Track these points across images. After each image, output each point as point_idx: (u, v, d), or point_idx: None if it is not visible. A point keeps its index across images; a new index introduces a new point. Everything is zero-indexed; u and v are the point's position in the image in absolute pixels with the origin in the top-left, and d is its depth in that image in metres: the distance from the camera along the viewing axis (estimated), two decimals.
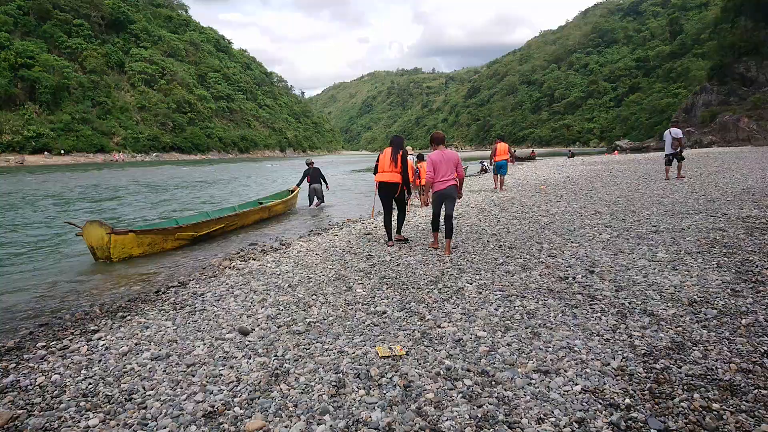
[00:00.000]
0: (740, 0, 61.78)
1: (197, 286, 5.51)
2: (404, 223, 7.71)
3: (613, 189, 12.40)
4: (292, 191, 13.78)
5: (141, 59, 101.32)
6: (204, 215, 10.34)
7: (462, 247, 6.44)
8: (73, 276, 6.67)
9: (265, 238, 9.41)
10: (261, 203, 12.38)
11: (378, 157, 6.97)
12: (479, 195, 13.19)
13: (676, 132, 13.78)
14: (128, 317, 4.53)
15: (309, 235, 8.96)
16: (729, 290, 4.19)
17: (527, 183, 16.13)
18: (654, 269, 4.95)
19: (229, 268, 6.44)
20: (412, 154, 14.54)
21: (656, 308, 3.87)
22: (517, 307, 4.07)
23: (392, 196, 6.91)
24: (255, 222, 11.02)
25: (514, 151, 44.44)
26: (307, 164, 13.73)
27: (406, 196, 7.05)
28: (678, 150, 13.72)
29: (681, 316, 3.68)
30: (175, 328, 4.09)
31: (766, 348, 3.06)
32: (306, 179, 13.59)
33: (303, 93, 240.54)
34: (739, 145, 50.53)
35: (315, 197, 13.79)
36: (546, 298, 4.26)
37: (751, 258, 5.13)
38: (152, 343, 3.73)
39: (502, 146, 14.82)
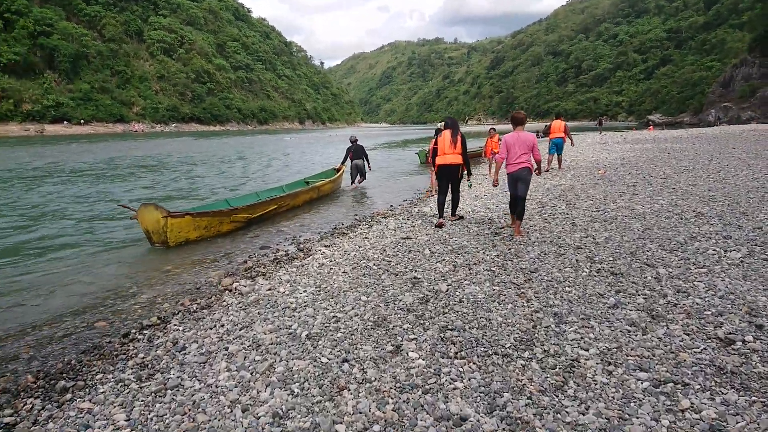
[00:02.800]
0: None
1: (180, 328, 3.93)
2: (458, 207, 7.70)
3: (692, 177, 10.42)
4: (338, 170, 13.44)
5: (160, 27, 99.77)
6: (254, 196, 10.07)
7: (544, 270, 4.72)
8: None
9: (280, 236, 7.79)
10: (308, 182, 12.11)
11: (435, 140, 7.18)
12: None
13: None
14: (68, 402, 2.97)
15: (333, 235, 7.31)
16: None
17: (578, 165, 14.17)
18: None
19: (230, 291, 4.85)
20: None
21: None
22: (688, 417, 2.38)
23: (453, 178, 7.11)
24: (305, 202, 10.75)
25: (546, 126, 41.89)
26: (351, 141, 13.19)
27: (467, 175, 7.28)
28: None
29: None
30: None
31: None
32: (349, 156, 13.11)
33: (322, 63, 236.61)
34: None
35: (357, 174, 13.23)
36: (724, 390, 2.57)
37: None
38: None
39: (557, 123, 13.32)
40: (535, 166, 6.12)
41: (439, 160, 7.00)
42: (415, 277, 4.73)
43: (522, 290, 4.21)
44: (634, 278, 4.38)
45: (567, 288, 4.21)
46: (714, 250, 5.06)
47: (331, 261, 5.61)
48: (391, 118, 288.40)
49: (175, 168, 19.89)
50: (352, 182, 13.26)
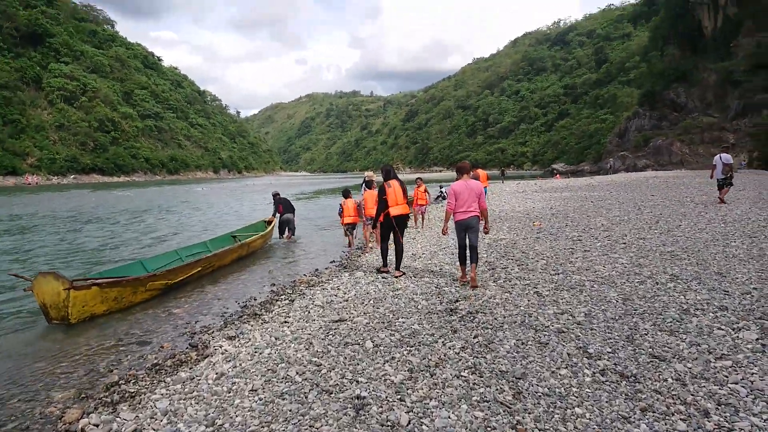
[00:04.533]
0: (667, 30, 64.88)
1: None
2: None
3: (633, 228, 9.98)
4: (269, 222, 12.66)
5: (61, 75, 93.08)
6: (174, 255, 8.93)
7: (533, 373, 3.48)
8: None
9: (169, 321, 5.98)
10: (234, 237, 11.17)
11: (381, 189, 7.01)
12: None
13: (727, 158, 13.52)
14: None
15: (241, 318, 5.66)
16: None
17: (509, 216, 13.57)
18: None
19: None
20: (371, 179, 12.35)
21: None
22: None
23: (400, 226, 7.01)
24: (233, 261, 9.58)
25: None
26: (274, 196, 12.95)
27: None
28: (728, 175, 13.43)
29: None
30: None
31: None
32: (278, 209, 12.56)
33: (238, 113, 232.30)
34: (673, 169, 51.83)
35: (287, 229, 12.68)
36: None
37: None
38: None
39: (482, 173, 13.03)
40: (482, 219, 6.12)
41: (392, 211, 6.90)
42: (358, 397, 3.28)
43: (517, 418, 2.91)
44: (652, 383, 3.26)
45: (576, 409, 2.97)
46: (720, 329, 4.13)
47: (235, 368, 4.02)
48: (311, 166, 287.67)
49: (65, 225, 17.01)
50: (280, 236, 12.65)
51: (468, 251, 6.12)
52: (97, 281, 6.20)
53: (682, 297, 5.08)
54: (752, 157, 44.16)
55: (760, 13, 49.39)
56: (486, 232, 6.27)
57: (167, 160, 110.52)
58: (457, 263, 7.18)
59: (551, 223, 11.55)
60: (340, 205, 11.05)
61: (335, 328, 4.78)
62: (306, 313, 5.47)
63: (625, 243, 8.22)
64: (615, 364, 3.59)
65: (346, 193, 11.24)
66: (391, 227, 6.98)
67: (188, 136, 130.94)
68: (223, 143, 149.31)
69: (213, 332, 5.24)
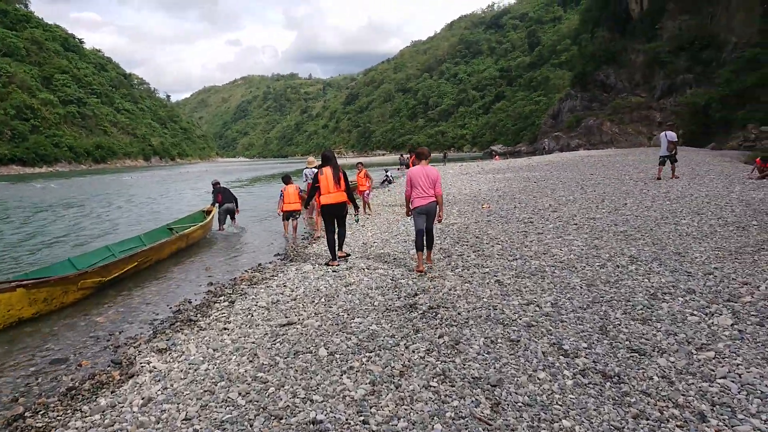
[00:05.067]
0: (598, 12, 67.28)
1: None
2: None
3: (581, 208, 9.99)
4: (207, 212, 12.05)
5: None
6: (105, 251, 8.39)
7: (509, 379, 3.13)
8: None
9: (89, 331, 5.20)
10: (171, 229, 10.62)
11: (315, 176, 6.89)
12: (397, 216, 10.04)
13: (672, 135, 13.89)
14: None
15: (174, 325, 4.99)
16: None
17: (456, 200, 13.37)
18: None
19: None
20: (310, 168, 11.84)
21: None
22: None
23: (339, 215, 6.93)
24: (172, 254, 9.06)
25: (402, 156, 42.66)
26: (213, 185, 12.30)
27: (355, 210, 7.36)
28: (672, 152, 13.87)
29: None
30: None
31: None
32: (218, 199, 11.98)
33: (169, 97, 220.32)
34: (604, 148, 54.20)
35: (227, 218, 12.11)
36: None
37: None
38: None
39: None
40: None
41: (323, 200, 6.77)
42: (313, 421, 2.80)
43: None
44: (638, 383, 3.00)
45: (564, 421, 2.64)
46: (693, 314, 3.98)
47: (165, 390, 3.42)
48: (250, 152, 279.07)
49: None
50: (220, 227, 11.96)
51: (425, 236, 6.03)
52: (22, 282, 5.72)
53: (647, 280, 4.93)
54: (678, 134, 46.87)
55: None
56: (439, 221, 6.12)
57: (93, 149, 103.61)
58: (412, 251, 6.88)
59: (500, 205, 11.43)
60: (281, 191, 10.46)
61: (283, 334, 4.25)
62: (249, 316, 4.89)
63: (576, 224, 8.15)
64: (594, 362, 3.31)
65: (286, 179, 10.82)
66: (328, 215, 6.85)
67: (114, 122, 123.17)
68: (153, 129, 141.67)
69: (140, 345, 4.56)
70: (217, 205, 12.01)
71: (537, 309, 4.32)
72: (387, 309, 4.64)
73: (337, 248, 6.99)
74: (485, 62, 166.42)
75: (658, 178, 13.95)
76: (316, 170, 12.40)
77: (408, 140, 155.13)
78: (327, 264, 6.87)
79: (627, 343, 3.58)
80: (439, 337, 3.86)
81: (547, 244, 6.82)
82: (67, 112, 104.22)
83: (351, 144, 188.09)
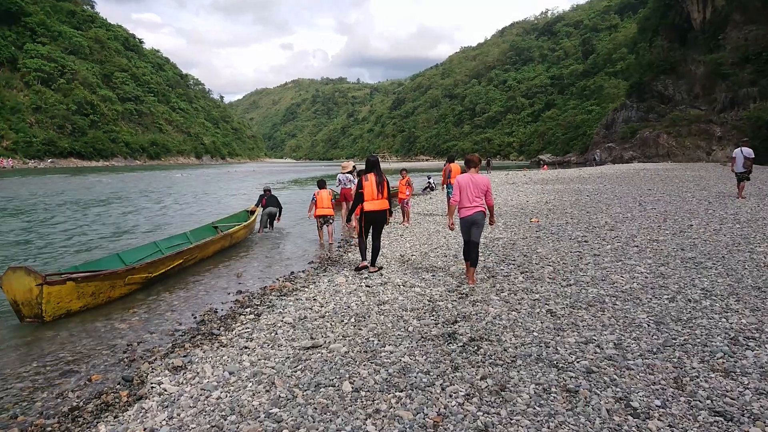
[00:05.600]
0: (656, 21, 64.39)
1: None
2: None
3: (641, 228, 9.17)
4: (251, 211, 12.26)
5: (37, 56, 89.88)
6: (152, 247, 8.51)
7: None
8: None
9: (106, 338, 4.96)
10: (216, 227, 10.70)
11: (359, 182, 6.71)
12: (438, 226, 9.50)
13: (748, 152, 13.19)
14: None
15: (194, 339, 4.67)
16: None
17: (502, 211, 12.68)
18: None
19: None
20: (344, 173, 12.24)
21: None
22: None
23: (379, 223, 6.75)
24: (216, 252, 9.13)
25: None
26: (265, 191, 12.32)
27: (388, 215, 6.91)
28: (748, 169, 13.16)
29: None
30: None
31: None
32: (262, 202, 12.11)
33: (222, 97, 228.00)
34: (659, 161, 51.67)
35: (267, 222, 12.15)
36: None
37: None
38: None
39: (456, 167, 12.34)
40: (487, 213, 5.87)
41: (366, 206, 6.60)
42: None
43: None
44: None
45: None
46: None
47: (171, 420, 3.05)
48: (297, 153, 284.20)
49: (37, 212, 15.71)
50: (260, 229, 12.00)
51: (470, 247, 5.85)
52: (72, 276, 5.79)
53: (725, 320, 4.22)
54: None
55: (748, 5, 49.01)
56: (491, 224, 6.12)
57: (147, 145, 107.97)
58: (453, 267, 6.55)
59: (549, 220, 10.70)
60: (314, 195, 10.17)
61: (306, 359, 3.84)
62: (272, 334, 4.51)
63: (637, 246, 7.38)
64: (671, 426, 2.70)
65: (321, 184, 10.50)
66: (369, 222, 6.73)
67: (170, 120, 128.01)
68: (205, 128, 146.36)
69: (156, 359, 4.26)
70: (261, 206, 12.04)
71: (597, 350, 3.72)
72: (422, 337, 4.14)
73: (371, 261, 6.88)
74: (536, 69, 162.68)
75: (740, 197, 13.23)
76: (349, 175, 12.19)
77: (453, 146, 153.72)
78: (357, 269, 6.77)
79: (708, 402, 2.95)
80: (481, 379, 3.33)
81: (605, 269, 6.13)
82: (125, 109, 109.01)
83: (395, 149, 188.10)
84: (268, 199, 12.05)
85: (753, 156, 13.14)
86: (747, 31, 49.66)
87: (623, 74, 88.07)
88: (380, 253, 7.35)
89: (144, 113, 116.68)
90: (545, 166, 60.19)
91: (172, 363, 4.04)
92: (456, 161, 12.87)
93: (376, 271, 6.72)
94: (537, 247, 7.75)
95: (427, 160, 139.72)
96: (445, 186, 13.07)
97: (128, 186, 31.01)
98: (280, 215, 12.28)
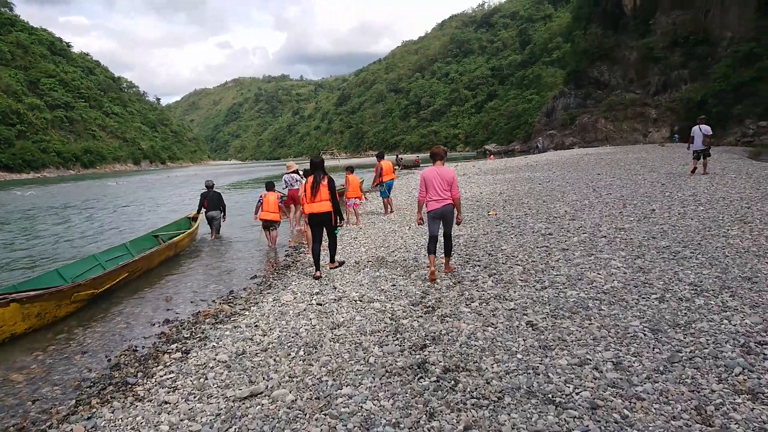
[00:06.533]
0: (590, 9, 66.40)
1: None
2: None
3: (603, 216, 8.83)
4: (193, 218, 11.61)
5: None
6: (92, 261, 8.08)
7: None
8: None
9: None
10: (157, 236, 10.20)
11: (303, 186, 6.72)
12: (394, 226, 8.88)
13: (707, 129, 13.28)
14: None
15: (102, 394, 3.72)
16: None
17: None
18: None
19: None
20: (289, 173, 11.61)
21: None
22: None
23: (325, 224, 6.65)
24: (161, 263, 8.74)
25: (401, 158, 41.59)
26: (207, 187, 11.36)
27: (339, 221, 6.73)
28: (707, 147, 13.42)
29: None
30: None
31: None
32: (204, 204, 11.16)
33: (159, 100, 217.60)
34: (599, 145, 53.38)
35: (211, 227, 11.37)
36: None
37: None
38: None
39: (387, 164, 12.24)
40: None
41: (306, 209, 6.67)
42: None
43: None
44: None
45: None
46: None
47: None
48: (242, 154, 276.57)
49: None
50: (213, 234, 11.38)
51: (443, 240, 5.82)
52: (15, 296, 5.38)
53: (727, 322, 3.74)
54: (673, 131, 46.02)
55: None
56: (458, 223, 5.87)
57: (81, 153, 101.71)
58: (420, 262, 5.93)
59: (507, 212, 10.24)
60: (260, 197, 9.45)
61: (242, 414, 3.03)
62: (202, 379, 3.65)
63: (605, 237, 6.94)
64: None
65: (269, 186, 9.79)
66: (313, 224, 6.69)
67: (103, 126, 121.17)
68: (142, 133, 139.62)
69: (51, 425, 3.31)
70: (203, 211, 11.23)
71: (596, 374, 3.11)
72: (387, 371, 3.41)
73: (329, 258, 6.90)
74: (477, 61, 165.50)
75: (693, 171, 13.76)
76: (295, 174, 11.49)
77: (401, 140, 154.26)
78: (314, 277, 6.47)
79: None
80: (464, 430, 2.64)
81: (578, 265, 5.61)
82: (55, 116, 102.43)
83: (344, 145, 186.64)
84: (209, 200, 11.17)
85: (711, 133, 13.36)
86: (675, 15, 51.92)
87: (560, 63, 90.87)
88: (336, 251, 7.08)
89: (75, 120, 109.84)
90: (492, 156, 60.87)
91: (71, 430, 3.12)
92: (381, 160, 12.52)
93: (336, 267, 6.72)
94: (501, 243, 7.19)
95: (375, 155, 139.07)
96: (377, 186, 12.53)
97: (55, 198, 28.52)
98: (225, 215, 11.44)
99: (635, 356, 3.32)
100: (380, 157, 12.72)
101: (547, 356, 3.41)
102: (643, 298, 4.40)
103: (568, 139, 62.96)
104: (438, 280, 5.56)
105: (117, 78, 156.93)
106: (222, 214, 11.36)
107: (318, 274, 6.42)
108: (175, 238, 9.40)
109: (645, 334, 3.65)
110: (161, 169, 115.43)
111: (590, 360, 3.31)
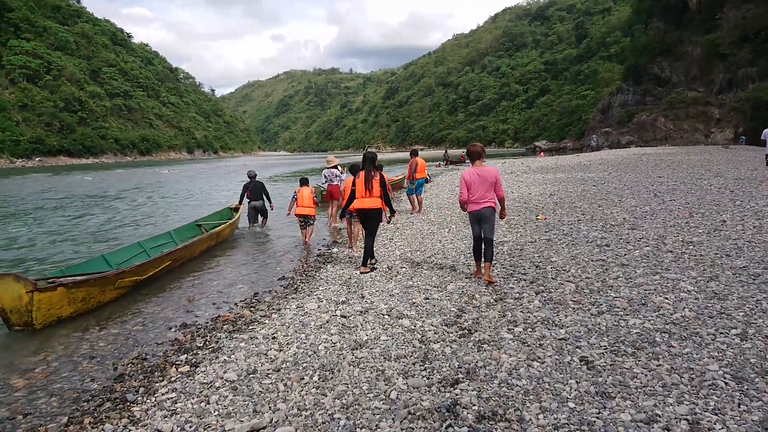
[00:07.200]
0: (651, 3, 62.85)
1: None
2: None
3: (668, 226, 7.95)
4: (234, 208, 11.56)
5: (22, 52, 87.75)
6: (137, 248, 8.25)
7: None
8: None
9: None
10: (200, 225, 10.33)
11: (354, 180, 6.67)
12: (433, 227, 8.29)
13: None
14: None
15: (95, 413, 3.38)
16: None
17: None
18: None
19: None
20: (329, 168, 11.53)
21: None
22: None
23: (375, 221, 6.59)
24: (202, 253, 8.83)
25: (448, 153, 40.77)
26: (249, 177, 11.35)
27: (391, 214, 6.81)
28: None
29: None
30: None
31: None
32: (246, 195, 11.23)
33: (213, 91, 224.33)
34: (657, 145, 50.50)
35: (257, 216, 11.43)
36: None
37: None
38: None
39: (421, 162, 11.85)
40: (498, 207, 5.58)
41: (356, 204, 6.57)
42: None
43: None
44: None
45: None
46: None
47: None
48: (291, 146, 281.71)
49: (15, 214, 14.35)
50: (250, 225, 11.40)
51: (483, 245, 5.50)
52: (62, 281, 5.64)
53: None
54: (737, 132, 42.92)
55: None
56: (502, 217, 5.81)
57: (138, 141, 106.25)
58: (450, 286, 5.33)
59: (558, 216, 9.47)
60: (294, 192, 9.25)
61: None
62: (203, 403, 3.25)
63: (671, 251, 6.12)
64: None
65: (303, 181, 9.62)
66: (361, 221, 6.67)
67: (160, 115, 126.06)
68: (197, 122, 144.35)
69: None
70: (246, 201, 11.30)
71: None
72: (410, 413, 2.89)
73: (362, 261, 6.67)
74: (529, 55, 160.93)
75: None
76: (334, 170, 11.19)
77: (448, 135, 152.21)
78: (358, 269, 6.57)
79: None
80: None
81: (641, 286, 4.88)
82: (114, 104, 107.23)
83: (390, 139, 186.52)
84: (252, 190, 11.12)
85: None
86: (745, 9, 48.26)
87: (618, 58, 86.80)
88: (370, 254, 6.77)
89: (133, 108, 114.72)
90: (542, 153, 58.87)
91: None
92: (416, 156, 12.09)
93: (367, 272, 6.41)
94: (550, 254, 6.50)
95: (421, 149, 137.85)
96: (409, 182, 12.01)
97: (109, 184, 29.56)
98: (271, 204, 11.41)
99: (716, 413, 2.66)
100: (414, 153, 12.26)
101: (605, 407, 2.80)
102: (721, 333, 3.68)
103: (624, 138, 59.99)
104: (477, 295, 4.98)
105: (174, 69, 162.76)
106: (268, 202, 11.32)
107: (364, 270, 6.41)
108: (217, 228, 9.58)
109: (727, 383, 2.97)
110: (213, 158, 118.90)
111: (659, 417, 2.67)
